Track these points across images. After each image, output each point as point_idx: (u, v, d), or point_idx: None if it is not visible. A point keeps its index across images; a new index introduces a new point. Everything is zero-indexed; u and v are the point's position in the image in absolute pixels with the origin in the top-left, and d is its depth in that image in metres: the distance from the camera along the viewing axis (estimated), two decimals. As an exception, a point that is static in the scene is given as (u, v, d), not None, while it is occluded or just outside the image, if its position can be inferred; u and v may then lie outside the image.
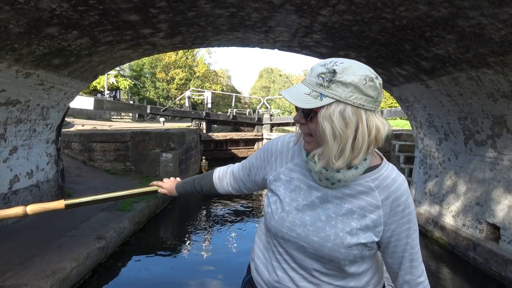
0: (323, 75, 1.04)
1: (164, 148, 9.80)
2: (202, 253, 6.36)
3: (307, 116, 1.09)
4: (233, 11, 4.59)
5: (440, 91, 5.63)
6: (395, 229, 1.15)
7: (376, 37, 4.83)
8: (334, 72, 1.03)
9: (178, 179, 1.80)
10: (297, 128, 1.21)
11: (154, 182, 1.80)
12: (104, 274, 4.97)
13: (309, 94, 1.05)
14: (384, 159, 1.21)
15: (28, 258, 4.31)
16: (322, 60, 1.10)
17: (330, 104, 1.03)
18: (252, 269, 1.39)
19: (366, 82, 1.02)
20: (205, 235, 7.39)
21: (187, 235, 7.24)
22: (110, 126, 16.75)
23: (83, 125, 15.51)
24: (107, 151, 9.79)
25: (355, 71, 1.03)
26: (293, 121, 1.29)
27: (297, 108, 1.13)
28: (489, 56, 4.00)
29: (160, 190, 1.77)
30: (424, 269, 1.21)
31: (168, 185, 1.76)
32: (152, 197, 7.60)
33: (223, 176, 1.61)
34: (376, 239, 1.15)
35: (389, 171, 1.17)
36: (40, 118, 6.03)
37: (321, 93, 1.04)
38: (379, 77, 1.07)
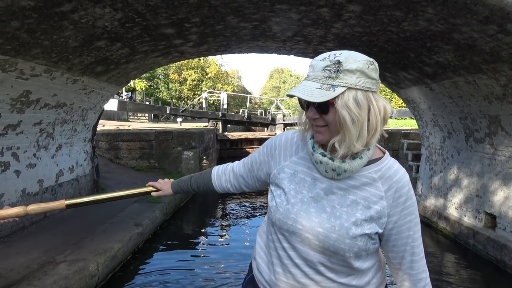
0: (328, 68, 1.07)
1: (186, 146, 10.48)
2: (220, 244, 6.88)
3: (323, 109, 1.09)
4: (256, 24, 5.20)
5: (443, 93, 6.17)
6: (397, 221, 1.15)
7: (384, 46, 5.40)
8: (339, 63, 1.06)
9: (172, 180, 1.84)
10: (301, 125, 1.25)
11: (150, 183, 1.81)
12: (141, 256, 5.62)
13: (320, 88, 1.07)
14: (387, 152, 1.23)
15: (79, 240, 4.98)
16: (318, 56, 1.13)
17: (343, 93, 1.06)
18: (254, 268, 1.41)
19: (369, 66, 1.08)
20: (222, 227, 7.93)
21: (207, 227, 7.83)
22: (129, 126, 17.30)
23: (103, 126, 16.11)
24: (132, 149, 10.49)
25: (356, 58, 1.07)
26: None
27: (305, 107, 1.16)
28: (482, 64, 4.55)
29: (154, 192, 1.78)
30: (426, 265, 1.21)
31: (162, 185, 1.76)
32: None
33: (222, 174, 1.60)
34: (380, 231, 1.16)
35: (391, 163, 1.19)
36: (80, 119, 6.73)
37: (332, 84, 1.06)
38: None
